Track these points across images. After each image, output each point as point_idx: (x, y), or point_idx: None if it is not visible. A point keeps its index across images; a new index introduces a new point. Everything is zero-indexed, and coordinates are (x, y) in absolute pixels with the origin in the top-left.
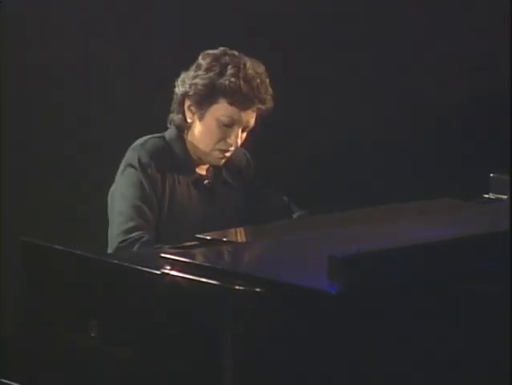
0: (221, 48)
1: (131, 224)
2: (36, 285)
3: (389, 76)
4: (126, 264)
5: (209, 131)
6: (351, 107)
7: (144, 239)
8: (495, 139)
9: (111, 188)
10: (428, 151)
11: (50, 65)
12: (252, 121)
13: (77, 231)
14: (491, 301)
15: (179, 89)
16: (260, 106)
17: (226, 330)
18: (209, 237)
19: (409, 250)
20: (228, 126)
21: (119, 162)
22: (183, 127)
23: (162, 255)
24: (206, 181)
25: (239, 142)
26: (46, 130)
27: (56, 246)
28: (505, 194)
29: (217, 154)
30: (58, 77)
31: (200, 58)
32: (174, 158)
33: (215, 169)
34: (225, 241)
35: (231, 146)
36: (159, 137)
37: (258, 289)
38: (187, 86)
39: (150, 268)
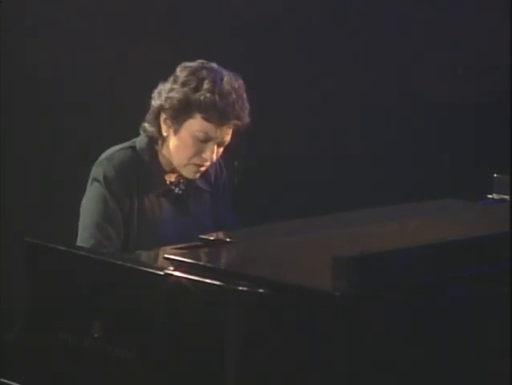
0: (199, 61)
1: (92, 241)
2: (39, 285)
3: (390, 76)
4: (129, 264)
5: (184, 146)
6: (351, 107)
7: None
8: (498, 140)
9: (83, 200)
10: (430, 151)
11: (50, 65)
12: (228, 137)
13: (76, 231)
14: (492, 302)
15: (155, 101)
16: (236, 122)
17: (229, 330)
18: (212, 238)
19: (412, 251)
20: (203, 141)
21: None
22: (156, 139)
23: (166, 256)
24: (177, 189)
25: (214, 157)
26: (46, 130)
27: (60, 247)
28: (508, 195)
29: (191, 168)
30: (58, 77)
31: (177, 70)
32: (143, 169)
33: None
34: (228, 242)
35: (206, 161)
36: (128, 147)
37: (261, 290)
38: (163, 99)
39: (153, 268)
